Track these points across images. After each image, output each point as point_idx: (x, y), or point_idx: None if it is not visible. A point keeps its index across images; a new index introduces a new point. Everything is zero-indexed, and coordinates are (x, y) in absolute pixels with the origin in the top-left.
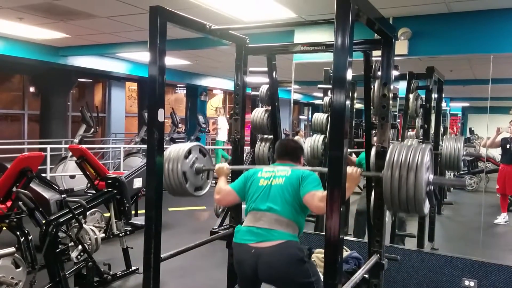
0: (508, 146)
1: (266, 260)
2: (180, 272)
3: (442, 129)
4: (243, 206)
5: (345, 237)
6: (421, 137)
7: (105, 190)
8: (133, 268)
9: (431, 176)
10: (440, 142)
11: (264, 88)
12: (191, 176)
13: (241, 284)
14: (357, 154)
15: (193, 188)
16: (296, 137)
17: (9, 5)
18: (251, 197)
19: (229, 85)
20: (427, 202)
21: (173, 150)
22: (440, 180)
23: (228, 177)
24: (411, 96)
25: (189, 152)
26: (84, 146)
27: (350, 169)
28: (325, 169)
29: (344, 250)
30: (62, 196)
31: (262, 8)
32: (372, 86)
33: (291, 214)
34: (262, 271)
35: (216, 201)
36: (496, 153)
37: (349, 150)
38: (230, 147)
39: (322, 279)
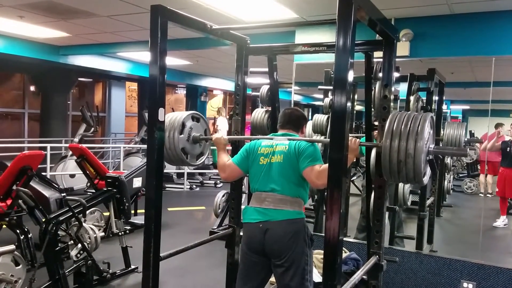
0: (508, 149)
1: (273, 233)
2: (179, 272)
3: (442, 131)
4: (243, 207)
5: (344, 238)
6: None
7: (105, 189)
8: (133, 267)
9: (432, 145)
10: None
11: (264, 89)
12: (189, 148)
13: (245, 269)
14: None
15: (195, 158)
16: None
17: (9, 3)
18: (253, 177)
19: (230, 85)
20: (427, 171)
21: (173, 115)
22: (440, 149)
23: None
24: (412, 98)
25: (183, 125)
26: (84, 145)
27: (348, 140)
28: (326, 140)
29: (343, 251)
30: (62, 194)
31: (263, 8)
32: (373, 88)
33: (294, 190)
34: (268, 243)
35: (222, 178)
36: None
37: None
38: (230, 147)
39: (321, 280)
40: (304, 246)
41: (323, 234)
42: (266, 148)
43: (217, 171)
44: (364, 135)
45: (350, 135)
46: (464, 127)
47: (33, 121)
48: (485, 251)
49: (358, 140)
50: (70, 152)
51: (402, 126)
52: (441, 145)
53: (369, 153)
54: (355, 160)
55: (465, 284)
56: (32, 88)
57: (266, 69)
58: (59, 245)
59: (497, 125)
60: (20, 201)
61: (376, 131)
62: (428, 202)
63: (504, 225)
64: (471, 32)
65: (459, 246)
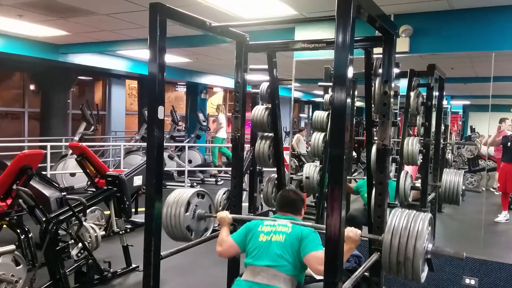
0: (509, 144)
1: None
2: (180, 270)
3: (443, 127)
4: (244, 205)
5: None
6: (422, 135)
7: (105, 188)
8: (133, 266)
9: (430, 245)
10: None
11: (264, 86)
12: (194, 225)
13: None
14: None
15: (198, 235)
16: (297, 135)
17: (8, 2)
18: (250, 252)
19: (230, 83)
20: (425, 270)
21: (173, 202)
22: (438, 251)
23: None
24: (412, 93)
25: (188, 203)
26: (84, 144)
27: (350, 231)
28: (323, 226)
29: None
30: (62, 194)
31: (262, 5)
32: (373, 84)
33: (290, 270)
34: None
35: (217, 253)
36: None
37: (348, 177)
38: (231, 144)
39: (322, 277)
40: None
41: (324, 231)
42: (268, 227)
43: (217, 168)
44: (363, 178)
45: (348, 229)
46: (462, 175)
47: (33, 120)
48: (487, 246)
49: (359, 231)
50: (70, 151)
51: (403, 225)
52: (439, 193)
53: (370, 150)
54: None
55: (467, 280)
56: (32, 87)
57: (266, 66)
58: (60, 244)
59: (501, 120)
60: (20, 200)
61: (377, 129)
62: (430, 198)
63: (506, 220)
64: (470, 27)
65: (461, 241)
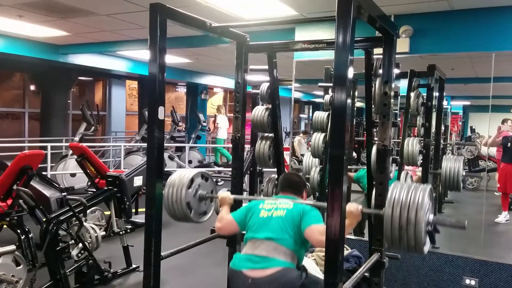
0: (509, 145)
1: None
2: (181, 271)
3: (443, 127)
4: (244, 204)
5: (346, 236)
6: (422, 136)
7: (106, 188)
8: (134, 266)
9: (431, 216)
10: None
11: (264, 86)
12: (194, 204)
13: None
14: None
15: (198, 215)
16: (297, 137)
17: (9, 3)
18: (251, 228)
19: (230, 83)
20: (427, 241)
21: (176, 178)
22: (440, 221)
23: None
24: (412, 94)
25: (191, 181)
26: (84, 144)
27: (351, 206)
28: (325, 204)
29: (344, 248)
30: (63, 194)
31: (262, 6)
32: (373, 84)
33: (291, 244)
34: None
35: (216, 228)
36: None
37: (348, 166)
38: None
39: (323, 278)
40: None
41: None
42: (269, 205)
43: (218, 169)
44: (364, 167)
45: (349, 204)
46: (462, 160)
47: (34, 120)
48: (487, 247)
49: (360, 206)
50: (71, 151)
51: (403, 198)
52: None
53: (370, 150)
54: (356, 156)
55: (467, 281)
56: (32, 87)
57: (266, 67)
58: (60, 244)
59: (504, 121)
60: (20, 200)
61: (377, 129)
62: None
63: (506, 220)
64: (471, 28)
65: (461, 242)
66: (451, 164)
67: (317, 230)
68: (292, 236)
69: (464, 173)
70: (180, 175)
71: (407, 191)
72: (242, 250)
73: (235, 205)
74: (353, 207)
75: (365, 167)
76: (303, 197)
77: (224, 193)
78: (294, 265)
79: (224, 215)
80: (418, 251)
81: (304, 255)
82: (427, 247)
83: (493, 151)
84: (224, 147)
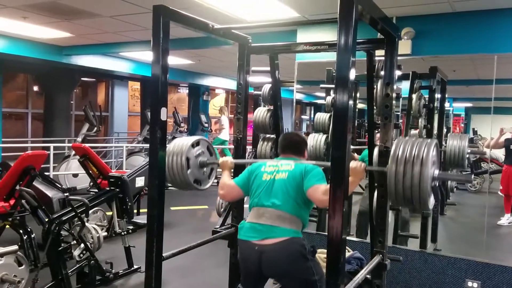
0: (511, 147)
1: (269, 257)
2: (182, 271)
3: (445, 129)
4: (245, 206)
5: (348, 238)
6: (424, 137)
7: (108, 189)
8: (135, 267)
9: (437, 171)
10: (444, 143)
11: (266, 88)
12: (194, 167)
13: (245, 280)
14: (359, 151)
15: (193, 179)
16: None
17: (13, 4)
18: (254, 192)
19: (232, 84)
20: (432, 197)
21: (183, 139)
22: (445, 176)
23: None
24: (414, 96)
25: (197, 143)
26: (87, 145)
27: (354, 163)
28: (328, 164)
29: (346, 250)
30: (65, 194)
31: (265, 8)
32: (375, 86)
33: (294, 209)
34: (265, 267)
35: (220, 196)
36: (500, 153)
37: (351, 147)
38: (232, 146)
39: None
40: (305, 262)
41: (326, 233)
42: (271, 167)
43: (219, 169)
44: (366, 147)
45: (352, 161)
46: (467, 138)
47: (37, 121)
48: (490, 249)
49: (363, 164)
50: (73, 152)
51: (408, 152)
52: (444, 157)
53: (372, 152)
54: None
55: (469, 283)
56: (35, 88)
57: (268, 68)
58: (62, 245)
59: None
60: (23, 201)
61: (378, 131)
62: None
63: (509, 223)
64: (473, 30)
65: (463, 244)
66: (456, 141)
67: (319, 189)
68: (295, 199)
69: (469, 150)
70: (179, 142)
71: (411, 146)
72: (247, 217)
73: (236, 172)
74: (357, 164)
75: (366, 147)
76: (304, 156)
77: (225, 158)
78: (299, 231)
79: (226, 181)
80: (422, 207)
81: (308, 216)
82: (431, 203)
83: (495, 152)
84: (224, 148)
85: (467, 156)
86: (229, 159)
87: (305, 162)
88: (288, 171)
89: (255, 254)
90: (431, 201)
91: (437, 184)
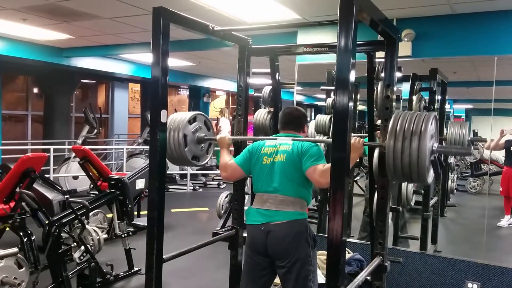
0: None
1: (274, 236)
2: (183, 273)
3: (445, 131)
4: (245, 208)
5: (348, 239)
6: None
7: (108, 191)
8: (136, 269)
9: (436, 144)
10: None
11: (267, 90)
12: (191, 143)
13: (251, 270)
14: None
15: (191, 155)
16: None
17: (13, 6)
18: (256, 177)
19: (232, 86)
20: (431, 171)
21: (179, 114)
22: (444, 148)
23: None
24: (414, 97)
25: (194, 119)
26: (87, 147)
27: (353, 139)
28: (328, 140)
29: (346, 252)
30: (65, 196)
31: (265, 10)
32: (375, 88)
33: (296, 191)
34: (270, 245)
35: (223, 177)
36: (500, 155)
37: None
38: (233, 148)
39: (324, 281)
40: (306, 247)
41: (326, 235)
42: (270, 148)
43: (218, 171)
44: (367, 135)
45: (353, 134)
46: (467, 126)
47: (36, 123)
48: (490, 251)
49: (362, 139)
50: (73, 154)
51: (406, 126)
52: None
53: (372, 153)
54: (358, 160)
55: (469, 285)
56: (35, 90)
57: (268, 70)
58: (62, 247)
59: None
60: (23, 203)
61: (379, 131)
62: (432, 202)
63: (509, 224)
64: (473, 31)
65: (463, 246)
66: (457, 129)
67: (316, 170)
68: (296, 180)
69: (469, 138)
70: (177, 118)
71: (409, 119)
72: (252, 203)
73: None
74: (355, 139)
75: (366, 135)
76: (304, 131)
77: (223, 134)
78: (304, 212)
79: (227, 161)
80: (421, 181)
81: (311, 192)
82: (431, 177)
83: (496, 154)
84: None
85: (467, 144)
86: (227, 135)
87: (303, 139)
88: (286, 152)
89: (262, 233)
90: (430, 174)
91: (436, 157)
